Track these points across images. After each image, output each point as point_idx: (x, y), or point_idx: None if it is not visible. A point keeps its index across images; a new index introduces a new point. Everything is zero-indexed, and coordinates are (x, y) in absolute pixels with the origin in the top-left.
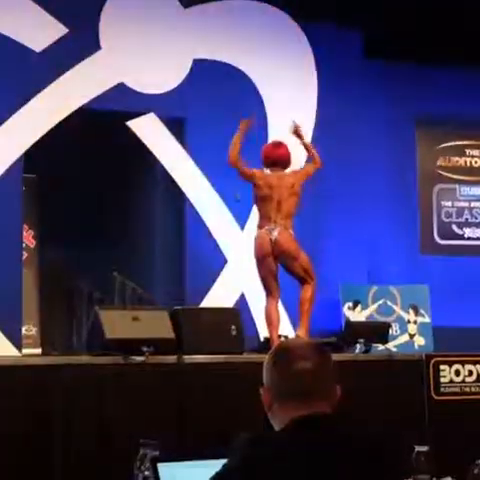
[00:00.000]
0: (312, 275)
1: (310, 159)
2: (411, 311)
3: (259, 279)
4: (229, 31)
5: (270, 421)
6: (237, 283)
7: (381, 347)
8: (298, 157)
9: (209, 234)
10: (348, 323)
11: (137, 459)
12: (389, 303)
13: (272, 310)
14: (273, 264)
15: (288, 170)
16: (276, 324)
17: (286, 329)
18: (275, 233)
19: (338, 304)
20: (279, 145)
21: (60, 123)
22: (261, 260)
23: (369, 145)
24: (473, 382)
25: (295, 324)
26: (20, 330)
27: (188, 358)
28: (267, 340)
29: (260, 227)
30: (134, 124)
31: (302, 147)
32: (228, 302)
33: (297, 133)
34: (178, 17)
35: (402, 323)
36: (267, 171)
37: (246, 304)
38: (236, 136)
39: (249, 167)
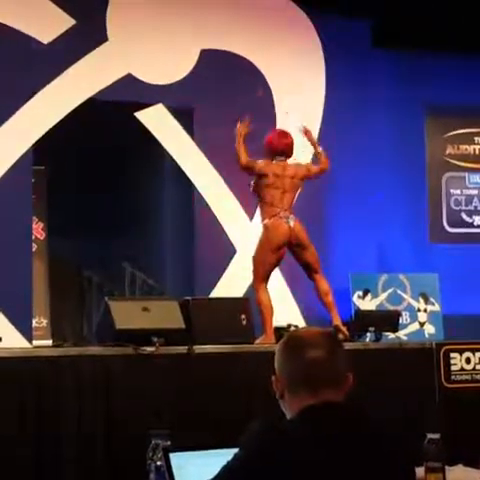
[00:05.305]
0: (320, 265)
1: (316, 159)
2: (421, 299)
3: (258, 266)
4: (237, 21)
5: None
6: (246, 273)
7: (391, 335)
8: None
9: (218, 224)
10: (358, 312)
11: (149, 449)
12: (399, 292)
13: (269, 298)
14: (284, 253)
15: (290, 161)
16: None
17: (297, 319)
18: (291, 221)
19: (348, 293)
20: (284, 134)
21: (69, 115)
22: (277, 248)
23: (377, 134)
24: None
25: (306, 315)
26: (31, 322)
27: (198, 348)
28: (279, 329)
29: (269, 216)
30: (142, 115)
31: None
32: (238, 292)
33: (307, 135)
34: (185, 7)
35: (412, 311)
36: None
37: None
38: (238, 142)
39: (255, 161)
